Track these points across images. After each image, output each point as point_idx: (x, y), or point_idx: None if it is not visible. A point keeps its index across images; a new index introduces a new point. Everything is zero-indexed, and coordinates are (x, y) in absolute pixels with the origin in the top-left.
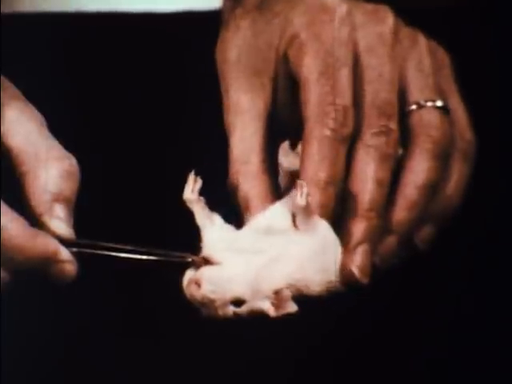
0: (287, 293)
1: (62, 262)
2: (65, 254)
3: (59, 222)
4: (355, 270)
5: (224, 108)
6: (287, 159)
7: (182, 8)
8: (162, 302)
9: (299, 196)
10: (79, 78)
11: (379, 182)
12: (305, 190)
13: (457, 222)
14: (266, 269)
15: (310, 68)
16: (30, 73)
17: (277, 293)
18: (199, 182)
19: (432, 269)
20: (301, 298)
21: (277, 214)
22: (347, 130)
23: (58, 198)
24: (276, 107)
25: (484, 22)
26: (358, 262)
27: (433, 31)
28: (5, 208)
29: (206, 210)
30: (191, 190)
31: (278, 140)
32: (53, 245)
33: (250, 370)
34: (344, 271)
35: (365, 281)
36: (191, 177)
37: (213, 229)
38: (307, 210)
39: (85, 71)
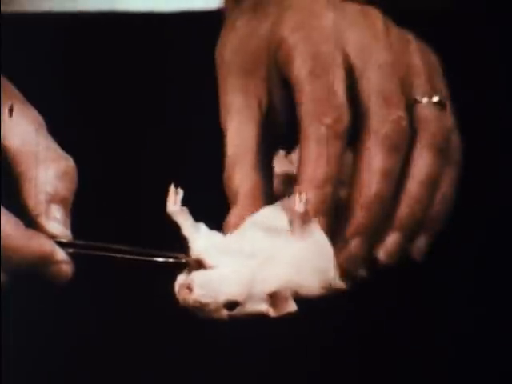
0: (285, 292)
1: (58, 262)
2: (61, 254)
3: (55, 222)
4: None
5: (220, 107)
6: (280, 165)
7: (182, 8)
8: (159, 303)
9: (298, 202)
10: (79, 78)
11: (387, 174)
12: (303, 196)
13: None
14: (259, 271)
15: (299, 69)
16: (30, 73)
17: (271, 295)
18: (180, 193)
19: (432, 269)
20: (298, 298)
21: (272, 214)
22: (342, 125)
23: (54, 199)
24: (272, 111)
25: (472, 25)
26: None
27: (422, 33)
28: (1, 209)
29: (191, 220)
30: (173, 202)
31: (273, 151)
32: (49, 246)
33: (249, 371)
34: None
35: (354, 270)
36: (172, 189)
37: (200, 236)
38: (305, 217)
39: (84, 71)
